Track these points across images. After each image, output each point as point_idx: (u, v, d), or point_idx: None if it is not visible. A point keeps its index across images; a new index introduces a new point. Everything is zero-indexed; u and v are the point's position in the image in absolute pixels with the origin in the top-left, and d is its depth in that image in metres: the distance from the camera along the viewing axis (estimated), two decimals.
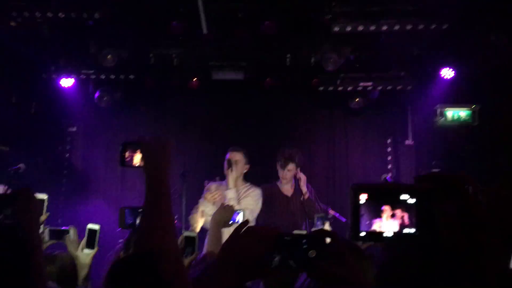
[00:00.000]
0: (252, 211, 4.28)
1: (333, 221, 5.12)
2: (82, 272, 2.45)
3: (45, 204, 2.37)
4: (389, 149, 7.12)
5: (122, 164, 1.72)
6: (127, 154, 1.72)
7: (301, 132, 7.35)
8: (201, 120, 7.38)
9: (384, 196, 0.85)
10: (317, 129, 7.35)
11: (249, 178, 4.64)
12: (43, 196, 2.37)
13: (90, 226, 2.54)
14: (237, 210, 2.99)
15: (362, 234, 0.84)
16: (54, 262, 2.40)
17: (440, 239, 0.82)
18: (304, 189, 4.77)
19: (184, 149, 7.22)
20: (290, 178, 4.95)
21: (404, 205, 0.84)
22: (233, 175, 4.29)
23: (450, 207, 0.83)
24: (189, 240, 2.49)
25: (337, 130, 7.33)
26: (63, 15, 5.00)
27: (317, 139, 7.31)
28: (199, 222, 4.24)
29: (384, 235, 0.84)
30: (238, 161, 4.41)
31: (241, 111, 7.40)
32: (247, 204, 4.25)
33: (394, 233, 0.84)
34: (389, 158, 7.11)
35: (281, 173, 4.97)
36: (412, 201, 0.84)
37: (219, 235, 2.60)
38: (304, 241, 1.02)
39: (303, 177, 4.81)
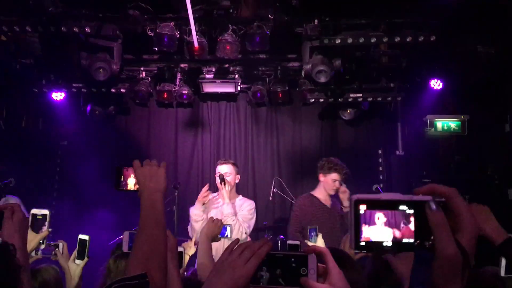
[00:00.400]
0: (248, 225, 4.35)
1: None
2: (73, 283, 2.44)
3: (47, 220, 2.35)
4: (380, 160, 7.16)
5: (117, 187, 1.76)
6: (121, 177, 1.75)
7: (292, 144, 7.38)
8: (192, 132, 7.39)
9: (383, 207, 0.87)
10: (307, 141, 7.38)
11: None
12: (45, 211, 2.36)
13: (81, 236, 2.54)
14: (225, 225, 3.03)
15: (362, 243, 0.86)
16: (36, 277, 2.39)
17: (436, 250, 0.84)
18: (346, 203, 4.66)
19: (177, 161, 7.23)
20: (335, 189, 4.83)
21: (402, 215, 0.87)
22: (227, 188, 4.33)
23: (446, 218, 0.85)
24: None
25: (327, 141, 7.36)
26: (53, 29, 5.00)
27: (308, 151, 7.33)
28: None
29: (384, 244, 0.87)
30: (228, 173, 4.46)
31: (232, 124, 7.43)
32: (244, 218, 4.31)
33: (393, 242, 0.86)
34: (380, 168, 7.15)
35: (328, 183, 4.84)
36: (410, 211, 0.87)
37: (209, 248, 2.64)
38: (293, 259, 1.03)
39: (347, 191, 4.72)
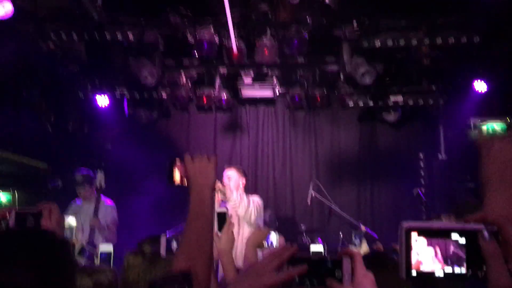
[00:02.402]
0: (258, 218, 4.50)
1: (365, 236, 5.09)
2: None
3: (74, 232, 2.40)
4: (421, 164, 7.00)
5: (170, 182, 1.74)
6: (173, 172, 1.73)
7: (331, 147, 7.33)
8: (231, 135, 7.47)
9: (435, 235, 0.86)
10: (347, 144, 7.31)
11: None
12: (72, 223, 2.41)
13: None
14: (269, 232, 3.03)
15: (414, 274, 0.85)
16: (91, 275, 2.41)
17: (489, 280, 0.82)
18: None
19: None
20: None
21: (455, 245, 0.85)
22: (230, 187, 4.53)
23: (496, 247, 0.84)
24: (220, 215, 2.53)
25: (366, 145, 7.27)
26: (98, 37, 5.19)
27: (347, 154, 7.27)
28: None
29: (436, 274, 0.86)
30: (231, 176, 4.66)
31: (271, 127, 7.46)
32: (252, 213, 4.46)
33: (445, 273, 0.85)
34: (422, 173, 6.99)
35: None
36: (462, 241, 0.85)
37: (255, 256, 2.63)
38: (330, 262, 1.04)
39: None
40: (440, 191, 6.41)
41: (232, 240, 2.50)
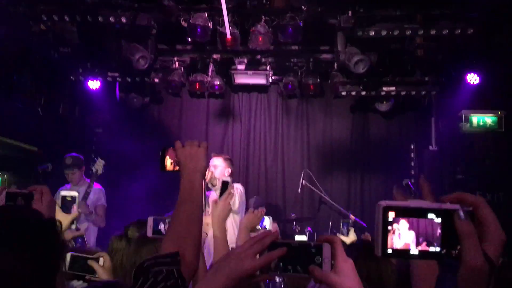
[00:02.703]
0: (241, 205, 4.51)
1: (354, 225, 5.13)
2: None
3: (77, 201, 2.41)
4: (412, 155, 7.05)
5: (163, 169, 1.76)
6: (165, 159, 1.75)
7: (323, 136, 7.35)
8: (223, 122, 7.46)
9: (411, 214, 0.87)
10: (338, 133, 7.33)
11: None
12: (74, 193, 2.43)
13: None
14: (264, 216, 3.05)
15: (389, 251, 0.87)
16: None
17: (462, 259, 0.84)
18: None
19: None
20: None
21: (431, 224, 0.87)
22: (214, 175, 4.46)
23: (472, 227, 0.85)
24: (224, 183, 2.63)
25: (359, 135, 7.29)
26: (91, 19, 5.12)
27: (339, 143, 7.29)
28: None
29: (411, 252, 0.87)
30: (216, 165, 4.62)
31: (263, 114, 7.46)
32: (236, 201, 4.44)
33: (420, 251, 0.87)
34: (412, 163, 7.04)
35: None
36: (438, 220, 0.87)
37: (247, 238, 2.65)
38: (309, 248, 1.05)
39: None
40: (430, 182, 6.45)
41: (228, 209, 2.54)
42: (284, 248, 1.06)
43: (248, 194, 6.92)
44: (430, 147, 6.91)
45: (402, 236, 0.86)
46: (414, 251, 0.86)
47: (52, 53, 6.26)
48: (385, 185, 7.00)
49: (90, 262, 2.19)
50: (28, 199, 1.73)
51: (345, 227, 3.78)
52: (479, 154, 6.65)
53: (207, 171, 4.36)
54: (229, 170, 4.73)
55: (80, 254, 2.24)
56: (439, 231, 0.86)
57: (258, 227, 2.89)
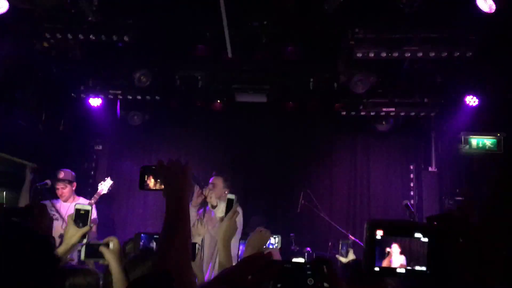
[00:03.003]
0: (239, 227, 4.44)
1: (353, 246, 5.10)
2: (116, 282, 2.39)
3: (90, 215, 2.41)
4: (411, 175, 7.05)
5: (141, 187, 1.77)
6: (146, 177, 1.76)
7: (323, 156, 7.36)
8: (224, 141, 7.47)
9: (399, 233, 0.87)
10: (339, 153, 7.34)
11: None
12: (88, 207, 2.43)
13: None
14: (273, 236, 3.03)
15: (376, 269, 0.87)
16: (65, 279, 2.38)
17: (451, 278, 0.84)
18: None
19: (207, 167, 7.30)
20: None
21: (417, 243, 0.87)
22: (213, 194, 4.44)
23: (459, 246, 0.85)
24: (230, 201, 2.66)
25: (359, 155, 7.30)
26: (94, 38, 5.18)
27: (339, 163, 7.30)
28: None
29: (397, 271, 0.87)
30: (216, 184, 4.62)
31: (264, 133, 7.47)
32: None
33: (406, 269, 0.87)
34: (412, 184, 7.03)
35: None
36: (425, 240, 0.87)
37: None
38: (308, 270, 1.05)
39: None
40: (429, 203, 6.45)
41: (234, 228, 2.53)
42: (274, 269, 1.06)
43: (247, 213, 6.91)
44: (430, 168, 6.91)
45: (394, 259, 0.86)
46: (400, 269, 0.86)
47: (54, 70, 6.31)
48: (384, 205, 6.99)
49: (101, 248, 2.36)
50: (24, 216, 1.73)
51: (344, 248, 3.76)
52: (478, 176, 6.64)
53: (207, 190, 4.36)
54: (227, 192, 4.65)
55: (93, 242, 2.43)
56: (425, 250, 0.86)
57: (265, 246, 2.85)
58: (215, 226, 4.31)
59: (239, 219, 4.47)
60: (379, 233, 0.87)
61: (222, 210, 4.33)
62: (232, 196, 2.70)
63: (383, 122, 6.83)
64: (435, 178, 6.83)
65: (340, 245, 3.83)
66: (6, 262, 1.12)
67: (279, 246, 3.16)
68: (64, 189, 5.32)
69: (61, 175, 5.30)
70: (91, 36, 5.20)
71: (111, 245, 2.40)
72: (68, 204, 5.28)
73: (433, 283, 0.88)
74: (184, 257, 1.51)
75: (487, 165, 6.61)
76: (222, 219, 2.55)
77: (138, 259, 2.26)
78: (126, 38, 5.22)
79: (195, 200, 4.24)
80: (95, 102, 6.81)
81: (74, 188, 5.46)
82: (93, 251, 2.44)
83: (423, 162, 7.02)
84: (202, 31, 5.59)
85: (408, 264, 0.86)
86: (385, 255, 0.87)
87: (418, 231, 0.87)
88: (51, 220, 1.81)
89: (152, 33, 5.51)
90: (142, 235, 2.34)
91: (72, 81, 6.60)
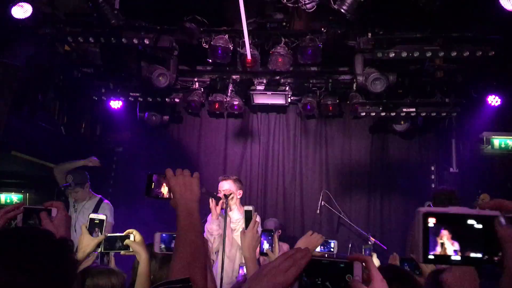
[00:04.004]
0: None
1: (374, 248, 5.07)
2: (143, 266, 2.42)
3: (104, 225, 2.45)
4: (432, 177, 6.97)
5: (148, 194, 1.77)
6: (152, 185, 1.77)
7: (342, 157, 7.32)
8: (242, 142, 7.48)
9: (452, 220, 0.88)
10: (357, 154, 7.29)
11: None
12: (102, 216, 2.47)
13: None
14: (330, 240, 3.04)
15: (431, 257, 0.87)
16: (87, 277, 2.41)
17: (505, 264, 0.84)
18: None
19: (225, 170, 7.33)
20: None
21: (470, 230, 0.87)
22: (232, 202, 4.34)
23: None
24: (247, 212, 2.70)
25: (377, 156, 7.25)
26: (115, 41, 5.24)
27: (358, 165, 7.25)
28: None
29: (452, 258, 0.87)
30: (227, 190, 4.44)
31: (281, 135, 7.47)
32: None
33: (462, 256, 0.87)
34: (433, 185, 6.95)
35: None
36: (478, 226, 0.87)
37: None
38: (339, 266, 1.06)
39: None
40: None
41: (257, 238, 2.53)
42: (310, 254, 1.07)
43: (266, 215, 6.92)
44: (451, 169, 6.83)
45: (445, 245, 0.86)
46: (455, 257, 0.86)
47: (76, 73, 6.40)
48: (405, 207, 6.92)
49: (127, 241, 2.48)
50: (43, 215, 1.76)
51: (368, 252, 3.75)
52: (501, 177, 6.55)
53: (221, 201, 4.30)
54: (241, 192, 4.58)
55: (112, 234, 2.52)
56: (480, 237, 0.86)
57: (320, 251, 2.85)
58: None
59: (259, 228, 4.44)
60: (432, 221, 0.87)
61: (237, 214, 4.32)
62: (249, 208, 2.72)
63: (402, 122, 6.77)
64: (456, 179, 6.75)
65: (363, 250, 3.81)
66: (27, 268, 1.14)
67: (335, 251, 3.17)
68: (77, 193, 5.18)
69: (69, 179, 5.11)
70: (112, 40, 5.25)
71: (131, 237, 2.49)
72: (84, 203, 5.18)
73: (489, 269, 0.88)
74: (196, 267, 1.52)
75: (509, 165, 6.51)
76: (243, 232, 2.55)
77: (169, 257, 2.29)
78: (146, 41, 5.27)
79: (215, 213, 4.16)
80: (115, 104, 6.89)
81: (88, 188, 5.28)
82: (112, 243, 2.51)
83: (444, 163, 6.93)
84: (220, 33, 5.60)
85: (462, 251, 0.86)
86: (437, 243, 0.87)
87: (471, 218, 0.87)
88: (68, 217, 1.83)
89: (170, 36, 5.54)
90: (162, 235, 2.38)
91: (93, 84, 6.68)
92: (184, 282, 1.42)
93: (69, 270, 1.27)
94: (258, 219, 3.33)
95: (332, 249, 3.10)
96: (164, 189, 1.78)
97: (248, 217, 2.66)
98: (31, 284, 1.12)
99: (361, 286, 1.03)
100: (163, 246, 2.39)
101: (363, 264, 1.06)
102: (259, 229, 4.30)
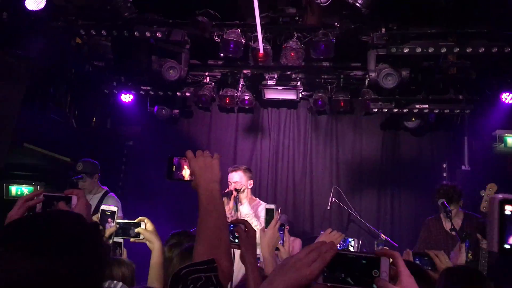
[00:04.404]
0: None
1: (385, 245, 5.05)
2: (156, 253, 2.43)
3: (116, 216, 2.45)
4: (444, 174, 6.91)
5: (170, 177, 1.75)
6: (173, 167, 1.74)
7: (352, 153, 7.28)
8: (252, 137, 7.46)
9: None
10: (368, 150, 7.25)
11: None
12: (114, 208, 2.47)
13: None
14: (347, 238, 3.01)
15: (507, 246, 0.83)
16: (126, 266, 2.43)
17: None
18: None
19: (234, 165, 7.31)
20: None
21: None
22: (242, 196, 4.36)
23: None
24: (269, 211, 2.66)
25: (390, 153, 7.19)
26: (127, 34, 5.23)
27: (370, 161, 7.21)
28: None
29: None
30: (238, 182, 4.45)
31: (292, 130, 7.44)
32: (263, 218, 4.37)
33: None
34: (444, 183, 6.88)
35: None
36: None
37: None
38: (364, 261, 1.03)
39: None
40: (463, 203, 6.30)
41: (277, 237, 2.51)
42: (335, 247, 1.05)
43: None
44: (463, 167, 6.76)
45: None
46: None
47: (87, 66, 6.40)
48: (415, 204, 6.88)
49: (139, 229, 2.50)
50: (66, 202, 1.74)
51: (380, 248, 3.72)
52: None
53: (232, 191, 4.29)
54: (251, 182, 4.60)
55: (125, 221, 2.57)
56: None
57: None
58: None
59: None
60: (509, 208, 0.83)
61: (247, 208, 4.31)
62: (271, 206, 2.69)
63: (413, 119, 6.71)
64: (468, 176, 6.68)
65: (376, 245, 3.78)
66: (62, 253, 1.11)
67: (355, 250, 3.12)
68: (84, 183, 5.02)
69: (80, 167, 5.00)
70: (124, 33, 5.24)
71: (142, 225, 2.51)
72: (91, 196, 5.04)
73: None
74: (224, 246, 1.52)
75: None
76: (263, 229, 2.54)
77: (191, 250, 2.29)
78: (159, 34, 5.25)
79: (226, 208, 4.17)
80: (126, 98, 6.89)
81: (96, 180, 5.17)
82: (123, 230, 2.54)
83: (456, 161, 6.87)
84: (232, 27, 5.57)
85: None
86: None
87: None
88: (89, 206, 1.80)
89: (183, 30, 5.52)
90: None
91: (105, 78, 6.69)
92: (209, 264, 1.41)
93: (103, 254, 1.25)
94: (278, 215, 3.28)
95: (352, 247, 3.06)
96: (186, 172, 1.75)
97: (270, 215, 2.62)
98: (69, 270, 1.09)
99: (388, 285, 1.01)
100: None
101: (390, 259, 1.04)
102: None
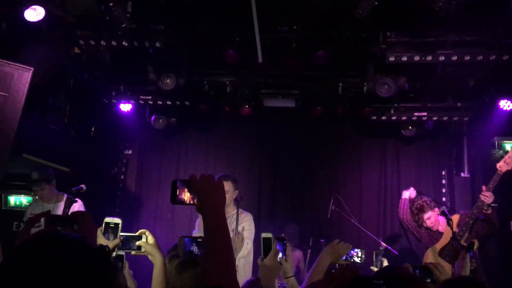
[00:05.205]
0: (251, 233, 4.51)
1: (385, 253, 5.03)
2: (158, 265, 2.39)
3: (120, 228, 2.43)
4: (443, 181, 6.91)
5: (173, 201, 1.74)
6: (177, 191, 1.74)
7: (352, 161, 7.28)
8: (251, 145, 7.46)
9: None
10: (368, 158, 7.25)
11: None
12: (118, 220, 2.44)
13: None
14: (354, 248, 2.95)
15: None
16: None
17: None
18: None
19: (234, 173, 7.30)
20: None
21: None
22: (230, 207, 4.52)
23: None
24: (266, 240, 2.55)
25: (389, 161, 7.20)
26: (127, 44, 5.24)
27: (368, 169, 7.21)
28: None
29: None
30: (227, 191, 4.46)
31: (292, 139, 7.44)
32: (247, 227, 4.49)
33: None
34: (444, 190, 6.90)
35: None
36: None
37: (325, 268, 2.57)
38: (382, 281, 1.03)
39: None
40: (462, 209, 6.30)
41: (276, 268, 2.42)
42: (355, 271, 1.05)
43: (277, 219, 6.90)
44: (462, 174, 6.77)
45: None
46: None
47: (86, 76, 6.41)
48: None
49: (140, 242, 2.45)
50: (71, 224, 1.72)
51: (379, 258, 3.69)
52: None
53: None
54: (237, 192, 4.66)
55: (127, 234, 2.50)
56: None
57: (343, 258, 2.75)
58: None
59: (252, 228, 4.48)
60: None
61: (235, 218, 4.36)
62: (268, 235, 2.57)
63: (410, 127, 6.72)
64: (467, 183, 6.69)
65: (374, 255, 3.76)
66: (69, 278, 1.10)
67: (362, 262, 3.03)
68: (43, 191, 4.88)
69: (35, 176, 4.81)
70: (123, 43, 5.25)
71: (144, 238, 2.46)
72: (52, 204, 4.86)
73: None
74: (227, 272, 1.50)
75: None
76: (261, 259, 2.47)
77: (188, 263, 2.26)
78: (158, 44, 5.27)
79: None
80: (125, 107, 6.89)
81: (54, 186, 4.98)
82: (125, 243, 2.49)
83: (455, 168, 6.88)
84: (231, 36, 5.59)
85: None
86: None
87: None
88: (95, 229, 1.79)
89: (182, 38, 5.54)
90: (185, 239, 2.36)
91: (103, 87, 6.69)
92: None
93: (111, 279, 1.24)
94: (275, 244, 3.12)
95: (359, 258, 2.96)
96: (186, 195, 1.75)
97: (266, 245, 2.50)
98: None
99: None
100: (188, 250, 2.38)
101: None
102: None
